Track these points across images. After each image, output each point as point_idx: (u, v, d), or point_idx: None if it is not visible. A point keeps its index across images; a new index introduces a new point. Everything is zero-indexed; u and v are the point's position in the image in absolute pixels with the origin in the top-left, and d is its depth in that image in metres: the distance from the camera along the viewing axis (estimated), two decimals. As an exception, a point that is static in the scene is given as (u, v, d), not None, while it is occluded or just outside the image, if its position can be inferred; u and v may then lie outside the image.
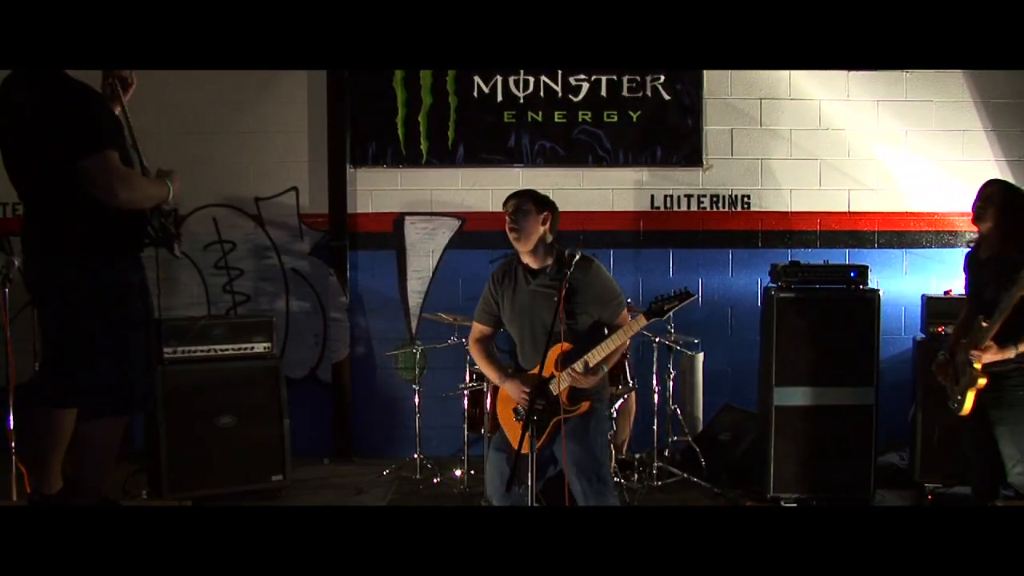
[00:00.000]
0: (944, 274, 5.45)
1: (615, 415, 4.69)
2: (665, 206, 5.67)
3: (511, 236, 3.40)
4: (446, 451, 5.52)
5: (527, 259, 3.44)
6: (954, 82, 5.56)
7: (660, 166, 5.64)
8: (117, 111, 2.96)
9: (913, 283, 5.53)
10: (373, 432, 5.73)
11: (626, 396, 4.85)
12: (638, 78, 5.59)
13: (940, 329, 4.65)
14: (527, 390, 3.29)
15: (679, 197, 5.66)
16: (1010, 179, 5.06)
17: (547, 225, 3.41)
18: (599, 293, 3.37)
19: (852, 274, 4.61)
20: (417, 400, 5.22)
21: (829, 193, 5.63)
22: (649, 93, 5.60)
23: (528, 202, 3.41)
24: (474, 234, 5.65)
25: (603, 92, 5.60)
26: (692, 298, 3.26)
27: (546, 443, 3.33)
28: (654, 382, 5.19)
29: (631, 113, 5.61)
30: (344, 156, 5.61)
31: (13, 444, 3.88)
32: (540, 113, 5.61)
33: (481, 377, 4.70)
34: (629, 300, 4.93)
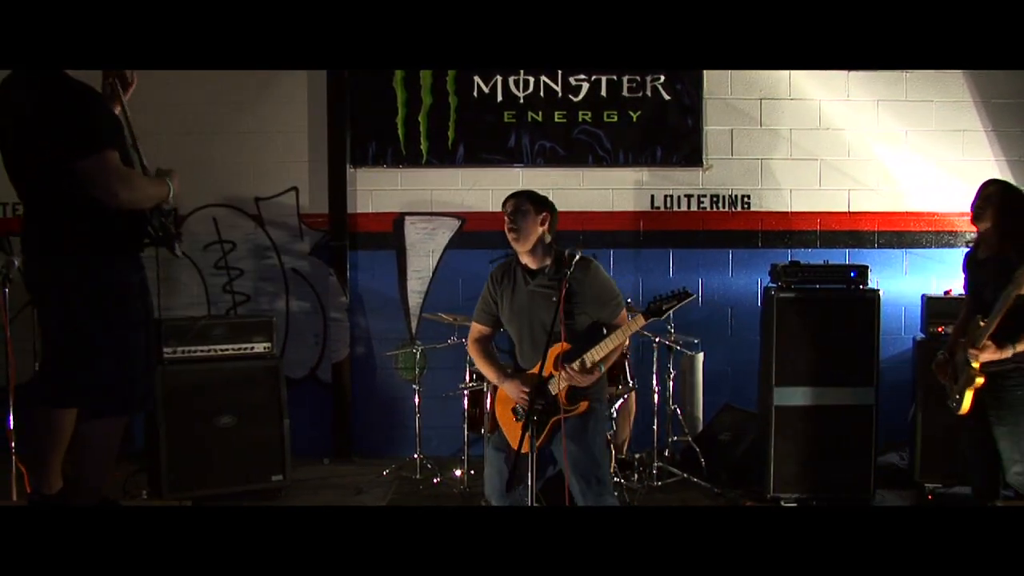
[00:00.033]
0: (944, 274, 5.45)
1: (615, 415, 4.69)
2: (665, 206, 5.67)
3: (510, 236, 3.40)
4: (446, 451, 5.53)
5: (526, 259, 3.44)
6: (954, 82, 5.57)
7: (660, 166, 5.64)
8: (117, 110, 2.95)
9: (913, 283, 5.53)
10: (373, 432, 5.73)
11: (626, 396, 4.85)
12: (638, 78, 5.60)
13: (940, 329, 4.66)
14: (526, 390, 3.30)
15: (679, 197, 5.67)
16: (1010, 179, 5.06)
17: (546, 226, 3.41)
18: (598, 293, 3.37)
19: (852, 274, 4.61)
20: (417, 400, 5.22)
21: (829, 193, 5.63)
22: (649, 93, 5.60)
23: (527, 203, 3.41)
24: (474, 234, 5.65)
25: (603, 92, 5.60)
26: (691, 298, 3.27)
27: (545, 442, 3.33)
28: (654, 382, 5.19)
29: (631, 113, 5.61)
30: (344, 156, 5.61)
31: (13, 444, 3.88)
32: (540, 113, 5.61)
33: (481, 377, 4.70)
34: (629, 300, 4.95)
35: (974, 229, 3.64)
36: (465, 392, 4.92)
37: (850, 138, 5.61)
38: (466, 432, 4.98)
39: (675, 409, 5.17)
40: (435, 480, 5.09)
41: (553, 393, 3.29)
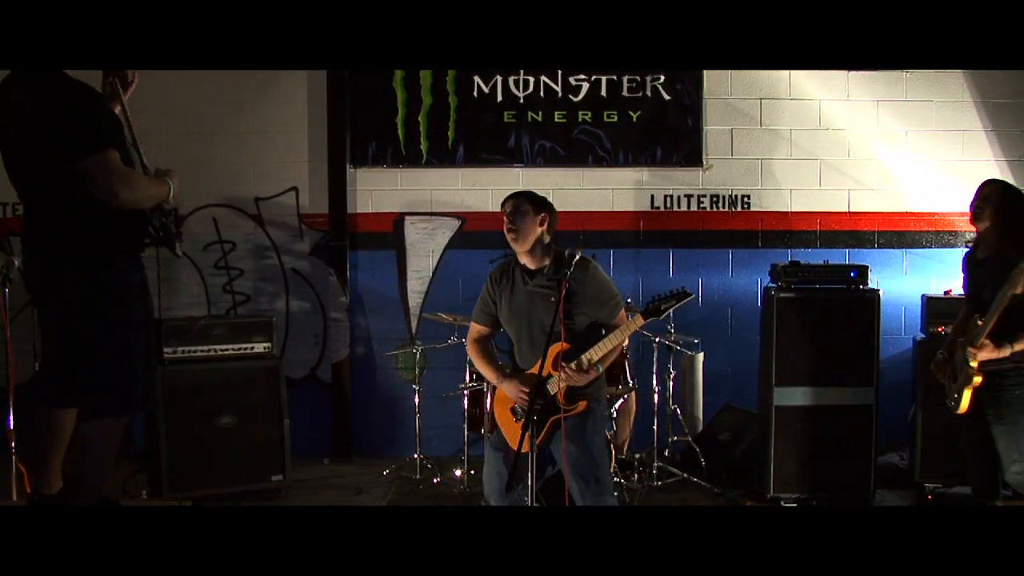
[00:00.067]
0: (944, 274, 5.45)
1: (615, 415, 4.69)
2: (665, 206, 5.67)
3: (509, 237, 3.41)
4: (446, 451, 5.53)
5: (524, 259, 3.44)
6: (954, 82, 5.57)
7: (660, 166, 5.64)
8: (117, 110, 2.96)
9: (913, 283, 5.53)
10: (373, 432, 5.73)
11: (626, 396, 4.85)
12: (638, 78, 5.60)
13: (940, 329, 4.65)
14: (525, 390, 3.30)
15: (679, 197, 5.67)
16: (1010, 179, 5.06)
17: (544, 226, 3.42)
18: (596, 293, 3.37)
19: (852, 274, 4.61)
20: (417, 400, 5.22)
21: (829, 193, 5.63)
22: (649, 93, 5.60)
23: (525, 203, 3.42)
24: (474, 234, 5.65)
25: (603, 92, 5.60)
26: (689, 297, 3.27)
27: (543, 442, 3.33)
28: (654, 382, 5.19)
29: (631, 113, 5.61)
30: (344, 156, 5.61)
31: (13, 444, 3.88)
32: (540, 113, 5.61)
33: (481, 377, 4.70)
34: (629, 300, 4.96)
35: (973, 229, 3.64)
36: (465, 392, 4.92)
37: (850, 138, 5.61)
38: (466, 432, 4.98)
39: (675, 409, 5.17)
40: (435, 480, 5.09)
41: (552, 393, 3.30)
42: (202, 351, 4.71)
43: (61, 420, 2.83)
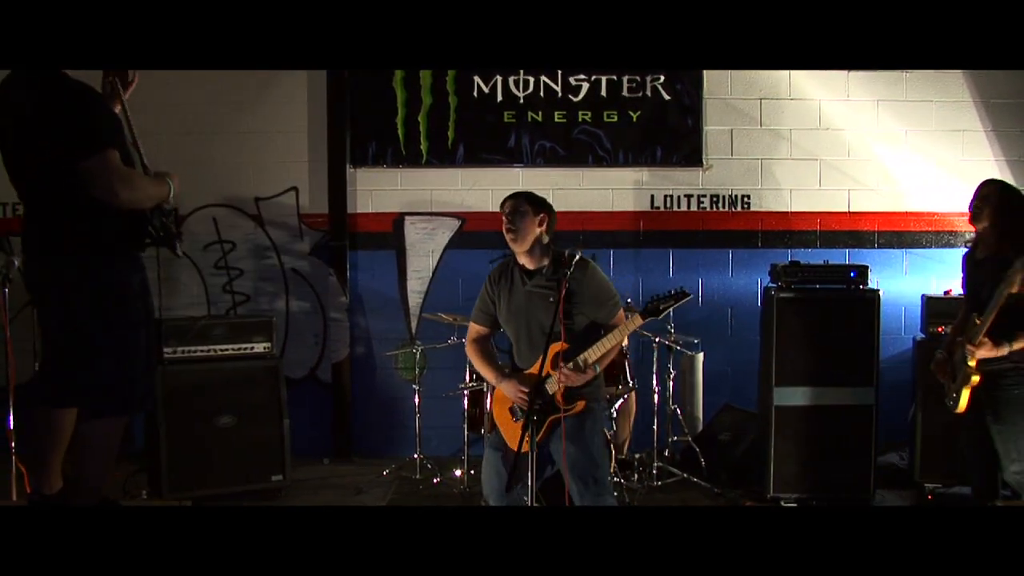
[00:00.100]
0: (944, 274, 5.45)
1: (615, 415, 4.69)
2: (665, 206, 5.67)
3: (507, 237, 3.41)
4: (446, 451, 5.53)
5: (523, 260, 3.45)
6: (954, 82, 5.57)
7: (660, 166, 5.64)
8: (117, 109, 2.95)
9: (913, 283, 5.53)
10: (373, 432, 5.73)
11: (626, 396, 4.85)
12: (638, 78, 5.60)
13: (940, 329, 4.65)
14: (524, 389, 3.30)
15: (679, 197, 5.67)
16: (1010, 179, 5.07)
17: (543, 226, 3.42)
18: (595, 293, 3.38)
19: (852, 274, 4.61)
20: (417, 400, 5.22)
21: (829, 193, 5.63)
22: (649, 93, 5.60)
23: (524, 203, 3.42)
24: (474, 234, 5.65)
25: (603, 92, 5.60)
26: (688, 297, 3.28)
27: (541, 441, 3.33)
28: (654, 382, 5.19)
29: (631, 113, 5.61)
30: (344, 156, 5.62)
31: (13, 444, 3.88)
32: (540, 113, 5.61)
33: (481, 377, 4.70)
34: (629, 300, 4.96)
35: (973, 229, 3.64)
36: (465, 392, 4.93)
37: (850, 138, 5.61)
38: (466, 432, 4.98)
39: (675, 409, 5.17)
40: (435, 480, 5.09)
41: (550, 392, 3.30)
42: (202, 351, 4.71)
43: (61, 420, 2.83)
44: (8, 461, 3.84)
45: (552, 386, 3.30)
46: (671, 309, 3.29)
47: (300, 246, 5.75)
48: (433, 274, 5.75)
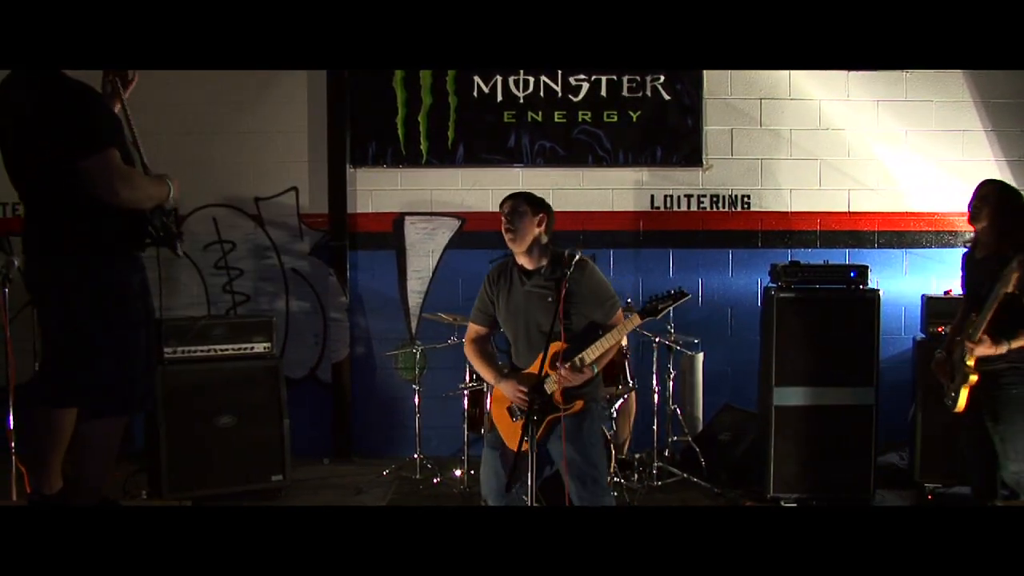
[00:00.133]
0: (944, 274, 5.45)
1: (615, 415, 4.69)
2: (665, 206, 5.67)
3: (506, 237, 3.41)
4: (446, 451, 5.53)
5: (522, 260, 3.45)
6: (954, 82, 5.57)
7: (660, 166, 5.64)
8: (117, 108, 2.96)
9: (913, 283, 5.53)
10: (373, 432, 5.74)
11: (626, 396, 4.85)
12: (638, 78, 5.60)
13: (940, 329, 4.65)
14: (523, 389, 3.30)
15: (679, 197, 5.67)
16: (1010, 179, 5.07)
17: (542, 227, 3.42)
18: (593, 293, 3.38)
19: (852, 274, 4.61)
20: (417, 400, 5.22)
21: (829, 193, 5.63)
22: (649, 93, 5.60)
23: (523, 203, 3.42)
24: (474, 234, 5.66)
25: (603, 92, 5.60)
26: (686, 297, 3.28)
27: (540, 441, 3.33)
28: (654, 382, 5.19)
29: (631, 113, 5.61)
30: (344, 156, 5.62)
31: (13, 444, 3.88)
32: (540, 113, 5.61)
33: (481, 377, 4.70)
34: (629, 300, 4.96)
35: (972, 229, 3.64)
36: (465, 392, 4.93)
37: (850, 138, 5.61)
38: (466, 432, 4.98)
39: (675, 409, 5.17)
40: (435, 480, 5.09)
41: (549, 392, 3.30)
42: (202, 351, 4.71)
43: (61, 420, 2.83)
44: (8, 461, 3.84)
45: (550, 386, 3.31)
46: (670, 309, 3.30)
47: (300, 246, 5.75)
48: (433, 274, 5.75)
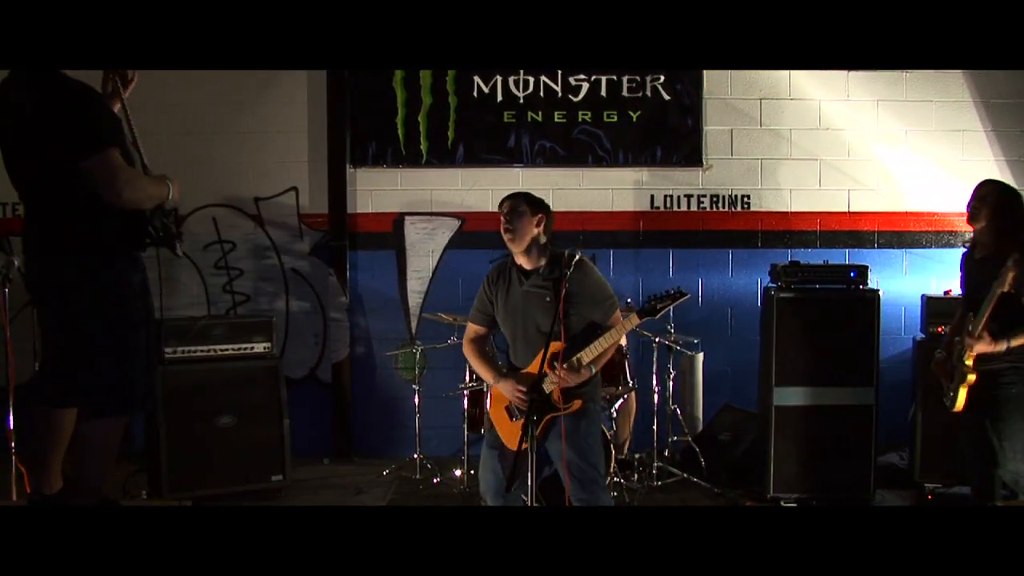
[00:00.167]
0: (944, 274, 5.45)
1: (615, 415, 4.69)
2: (665, 206, 5.67)
3: (505, 237, 3.42)
4: (446, 451, 5.53)
5: (520, 260, 3.45)
6: (954, 82, 5.57)
7: (660, 166, 5.64)
8: (117, 108, 2.96)
9: (913, 283, 5.53)
10: (373, 432, 5.74)
11: (626, 396, 4.85)
12: (638, 78, 5.60)
13: (940, 329, 4.65)
14: (522, 389, 3.30)
15: (679, 197, 5.67)
16: (1010, 179, 5.08)
17: (541, 227, 3.42)
18: (592, 293, 3.38)
19: (852, 274, 4.61)
20: (417, 400, 5.22)
21: (829, 193, 5.63)
22: (649, 93, 5.60)
23: (522, 203, 3.42)
24: (474, 234, 5.66)
25: (603, 92, 5.61)
26: (685, 297, 3.28)
27: (538, 440, 3.32)
28: (654, 382, 5.19)
29: (631, 113, 5.61)
30: (344, 156, 5.62)
31: (13, 444, 3.88)
32: (540, 113, 5.61)
33: (481, 377, 4.70)
34: (629, 300, 4.96)
35: (972, 229, 3.65)
36: (465, 392, 4.93)
37: (850, 138, 5.61)
38: (466, 432, 4.98)
39: (675, 409, 5.17)
40: (435, 480, 5.09)
41: (547, 392, 3.30)
42: (202, 351, 4.71)
43: (61, 420, 2.83)
44: (8, 461, 3.84)
45: (548, 386, 3.31)
46: (669, 309, 3.31)
47: (300, 246, 5.75)
48: (433, 274, 5.75)
